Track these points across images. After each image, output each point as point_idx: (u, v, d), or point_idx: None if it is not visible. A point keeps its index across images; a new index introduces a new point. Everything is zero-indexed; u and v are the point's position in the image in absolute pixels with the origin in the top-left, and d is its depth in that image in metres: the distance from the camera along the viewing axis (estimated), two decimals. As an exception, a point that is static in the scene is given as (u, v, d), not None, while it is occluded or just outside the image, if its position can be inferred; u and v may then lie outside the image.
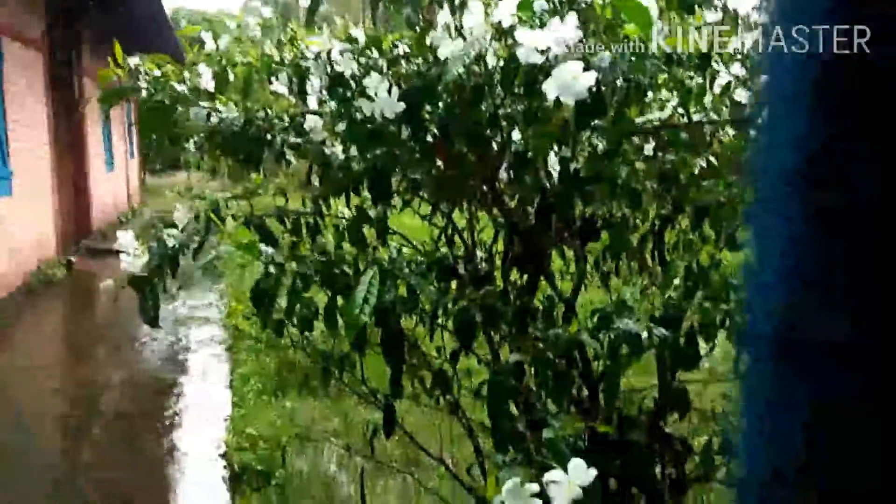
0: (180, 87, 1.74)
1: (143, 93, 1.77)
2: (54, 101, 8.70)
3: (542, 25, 1.15)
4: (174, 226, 1.76)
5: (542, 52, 1.14)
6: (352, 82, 1.94)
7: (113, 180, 12.92)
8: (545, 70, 1.18)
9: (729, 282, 1.26)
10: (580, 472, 0.92)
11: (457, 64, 1.18)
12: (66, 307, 7.02)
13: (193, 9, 25.28)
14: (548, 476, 0.92)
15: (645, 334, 1.23)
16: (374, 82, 1.52)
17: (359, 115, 1.91)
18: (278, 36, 2.07)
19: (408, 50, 2.04)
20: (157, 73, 1.87)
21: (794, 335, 0.31)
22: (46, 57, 8.42)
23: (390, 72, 1.67)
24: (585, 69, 1.10)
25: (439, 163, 1.72)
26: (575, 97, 1.10)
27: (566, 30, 1.10)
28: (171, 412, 4.13)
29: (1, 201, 6.68)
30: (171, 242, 1.58)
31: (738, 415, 0.34)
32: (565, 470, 0.92)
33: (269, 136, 1.74)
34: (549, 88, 1.12)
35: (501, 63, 1.35)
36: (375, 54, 2.01)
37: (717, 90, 1.81)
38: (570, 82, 1.09)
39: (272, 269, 1.29)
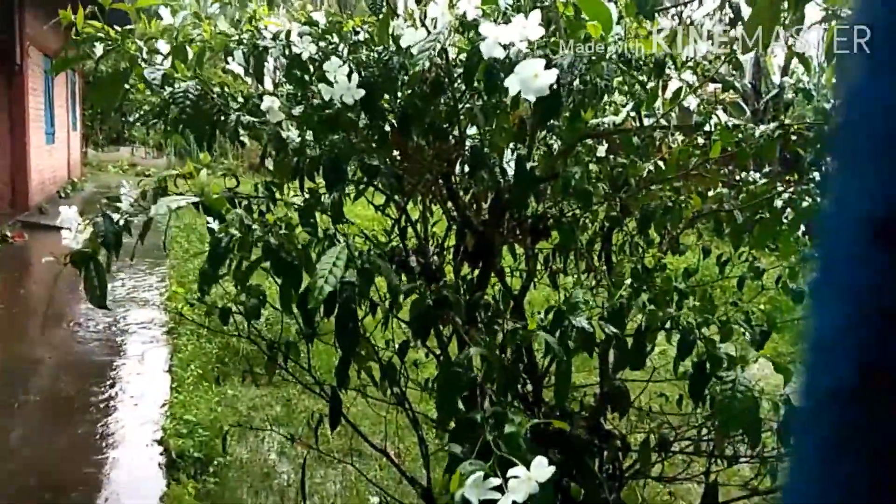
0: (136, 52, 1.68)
1: (99, 52, 1.70)
2: (-7, 67, 8.31)
3: (506, 21, 1.16)
4: (119, 201, 1.71)
5: (505, 47, 1.14)
6: (310, 65, 1.91)
7: (53, 153, 12.42)
8: (507, 66, 1.18)
9: (672, 285, 1.30)
10: (541, 469, 0.94)
11: (423, 56, 1.18)
12: (0, 283, 6.72)
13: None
14: (511, 472, 0.94)
15: (597, 331, 1.26)
16: (333, 66, 1.51)
17: (315, 100, 1.89)
18: (235, 14, 2.03)
19: (368, 36, 2.03)
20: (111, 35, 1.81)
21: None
22: (-14, 20, 8.04)
23: (351, 57, 1.66)
24: (547, 67, 1.11)
25: (396, 153, 1.72)
26: (536, 94, 1.12)
27: (530, 26, 1.11)
28: (107, 396, 4.00)
29: (-70, 169, 6.35)
30: (116, 218, 1.53)
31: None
32: (523, 464, 0.94)
33: (223, 113, 1.70)
34: (511, 84, 1.13)
35: (463, 56, 1.35)
36: (336, 39, 1.99)
37: (668, 96, 1.86)
38: (531, 79, 1.10)
39: (226, 236, 1.26)
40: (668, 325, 1.23)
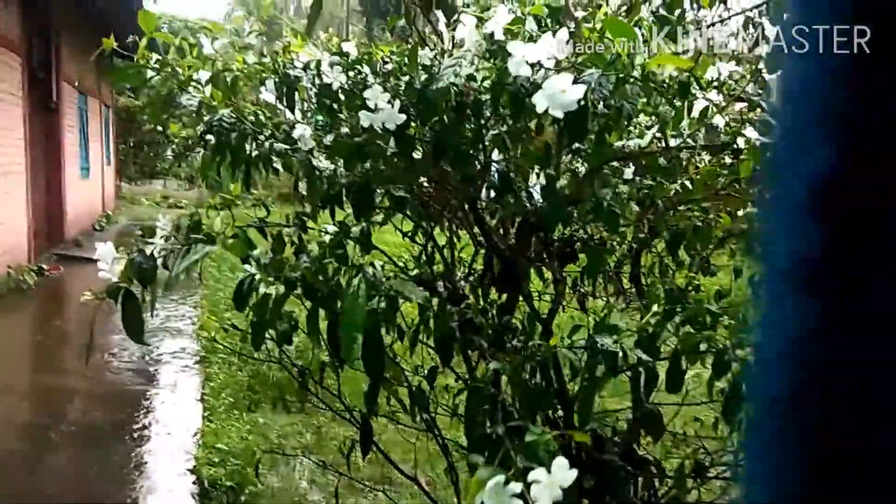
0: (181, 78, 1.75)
1: (150, 77, 1.77)
2: (31, 104, 8.59)
3: (533, 40, 1.18)
4: (153, 235, 1.75)
5: (532, 67, 1.16)
6: (340, 95, 1.95)
7: (88, 187, 12.75)
8: (534, 87, 1.20)
9: (705, 307, 1.28)
10: (563, 472, 0.91)
11: (448, 73, 1.20)
12: (37, 315, 6.87)
13: (174, 15, 25.20)
14: (532, 475, 0.91)
15: (621, 353, 1.25)
16: (375, 94, 1.53)
17: (344, 129, 1.92)
18: (267, 46, 2.09)
19: (397, 66, 2.07)
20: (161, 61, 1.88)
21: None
22: (25, 60, 8.33)
23: (385, 86, 1.69)
24: (574, 83, 1.12)
25: (423, 180, 1.74)
26: (563, 109, 1.12)
27: (557, 45, 1.13)
28: (141, 425, 4.05)
29: (-28, 205, 6.56)
30: (151, 252, 1.57)
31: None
32: (547, 471, 0.91)
33: (257, 141, 1.75)
34: (539, 100, 1.14)
35: (488, 82, 1.37)
36: (366, 69, 2.03)
37: (694, 115, 1.86)
38: (559, 95, 1.11)
39: (256, 271, 1.28)
40: (702, 347, 1.22)
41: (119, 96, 18.80)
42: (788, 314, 0.32)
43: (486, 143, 1.53)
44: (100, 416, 4.16)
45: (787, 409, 0.33)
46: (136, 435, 3.90)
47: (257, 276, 1.27)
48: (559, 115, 1.12)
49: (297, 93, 2.03)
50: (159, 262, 1.67)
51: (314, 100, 2.02)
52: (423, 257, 2.13)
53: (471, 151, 1.52)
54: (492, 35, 1.25)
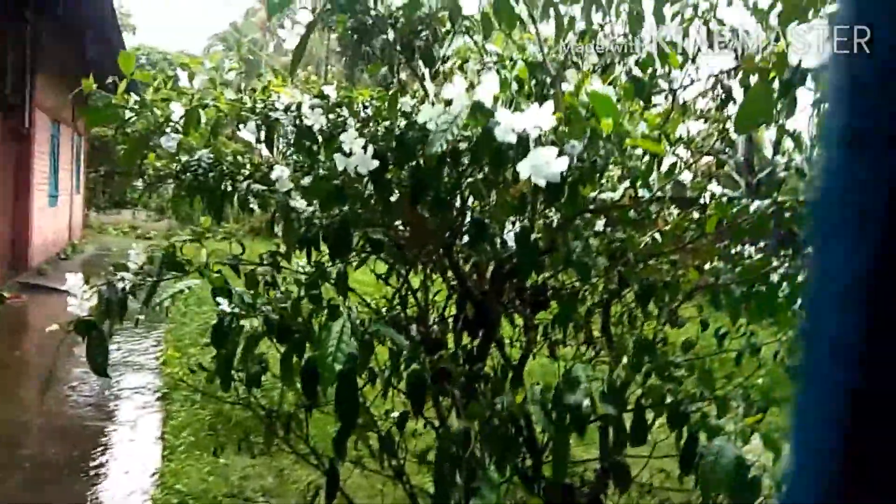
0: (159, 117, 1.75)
1: (127, 119, 1.77)
2: (3, 130, 8.49)
3: (516, 107, 1.22)
4: (122, 267, 1.73)
5: (517, 132, 1.20)
6: (319, 136, 1.98)
7: (56, 215, 12.54)
8: (519, 148, 1.23)
9: (671, 360, 1.31)
10: None
11: (440, 137, 1.23)
12: (-8, 344, 6.66)
13: (153, 48, 25.25)
14: None
15: (588, 403, 1.26)
16: (350, 138, 1.56)
17: (321, 171, 1.94)
18: (245, 81, 2.11)
19: (376, 110, 2.11)
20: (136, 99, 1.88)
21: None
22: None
23: (364, 130, 1.72)
24: (559, 155, 1.16)
25: (399, 223, 1.76)
26: (547, 179, 1.16)
27: (543, 115, 1.17)
28: (98, 463, 3.92)
29: (-67, 229, 6.40)
30: (121, 286, 1.55)
31: None
32: None
33: (234, 182, 1.75)
34: (524, 169, 1.18)
35: (472, 134, 1.40)
36: (345, 111, 2.06)
37: (664, 170, 1.92)
38: (543, 166, 1.15)
39: (230, 315, 1.28)
40: (667, 399, 1.24)
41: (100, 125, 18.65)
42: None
43: (463, 191, 1.56)
44: (55, 452, 4.02)
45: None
46: (92, 473, 3.77)
47: (238, 312, 1.25)
48: (542, 183, 1.16)
49: (276, 133, 2.05)
50: (129, 294, 1.65)
51: (292, 140, 2.04)
52: (397, 299, 2.14)
53: (448, 198, 1.55)
54: (480, 102, 1.29)
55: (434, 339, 1.93)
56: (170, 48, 28.25)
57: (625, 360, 1.52)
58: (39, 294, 8.86)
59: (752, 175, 5.08)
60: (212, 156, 1.73)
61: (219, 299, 1.62)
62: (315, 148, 2.00)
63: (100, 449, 4.11)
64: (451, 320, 2.00)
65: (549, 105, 1.18)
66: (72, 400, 4.95)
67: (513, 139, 1.22)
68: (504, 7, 1.75)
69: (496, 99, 1.28)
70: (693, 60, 1.82)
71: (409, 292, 1.95)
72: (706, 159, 2.37)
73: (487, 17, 1.94)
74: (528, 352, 1.94)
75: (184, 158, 1.82)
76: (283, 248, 2.07)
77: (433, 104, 1.55)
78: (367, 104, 2.17)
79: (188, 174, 1.71)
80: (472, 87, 1.36)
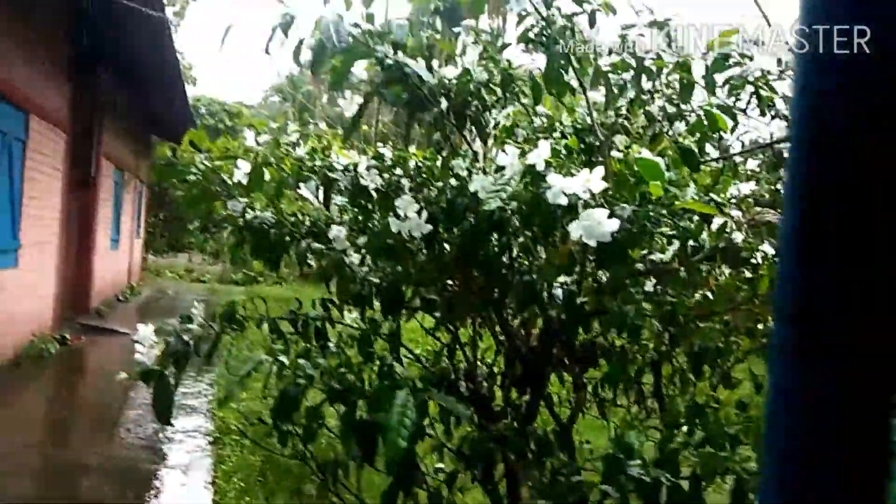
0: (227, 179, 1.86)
1: (193, 177, 1.89)
2: (70, 178, 8.95)
3: (567, 172, 1.27)
4: (188, 319, 1.82)
5: (568, 195, 1.24)
6: (374, 195, 2.06)
7: (116, 258, 13.04)
8: (569, 210, 1.27)
9: (726, 430, 1.30)
10: None
11: (493, 198, 1.28)
12: (54, 385, 6.92)
13: (213, 98, 26.36)
14: None
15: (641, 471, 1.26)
16: (404, 203, 1.62)
17: (375, 229, 2.02)
18: (308, 144, 2.22)
19: (429, 171, 2.18)
20: (204, 159, 2.01)
21: None
22: (68, 135, 8.74)
23: (419, 196, 1.78)
24: (609, 217, 1.20)
25: (451, 282, 1.81)
26: (598, 240, 1.20)
27: (594, 180, 1.21)
28: (149, 505, 4.00)
29: (6, 272, 6.74)
30: (187, 338, 1.63)
31: None
32: None
33: (294, 240, 1.84)
34: (575, 229, 1.21)
35: (523, 196, 1.45)
36: (399, 171, 2.14)
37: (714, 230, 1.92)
38: (594, 227, 1.19)
39: (299, 379, 1.33)
40: (723, 469, 1.23)
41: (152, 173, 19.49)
42: None
43: (512, 251, 1.60)
44: (109, 494, 4.12)
45: None
46: (143, 516, 3.85)
47: (301, 384, 1.31)
48: (592, 244, 1.20)
49: (333, 191, 2.14)
50: (194, 346, 1.73)
51: (348, 198, 2.13)
52: (445, 353, 2.17)
53: (497, 258, 1.59)
54: (533, 166, 1.34)
55: (483, 394, 1.95)
56: (228, 98, 29.48)
57: (678, 423, 1.51)
58: (98, 335, 9.18)
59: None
60: (274, 217, 1.82)
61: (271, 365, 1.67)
62: (370, 206, 2.08)
63: (153, 491, 4.20)
64: (499, 376, 2.02)
65: (600, 170, 1.23)
66: (127, 442, 5.08)
67: (563, 201, 1.26)
68: (554, 76, 1.81)
69: (548, 164, 1.33)
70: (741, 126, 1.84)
71: (458, 347, 1.98)
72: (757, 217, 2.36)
73: (537, 84, 2.01)
74: (577, 410, 1.94)
75: (248, 214, 1.92)
76: (335, 299, 2.14)
77: (485, 171, 1.62)
78: (420, 164, 2.26)
79: (249, 233, 1.81)
80: (523, 153, 1.42)
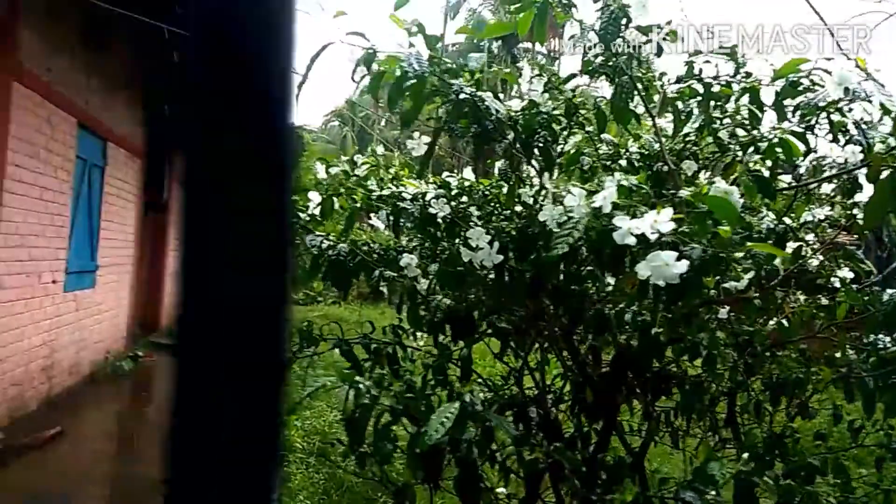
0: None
1: None
2: (144, 202, 9.37)
3: (636, 210, 1.28)
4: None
5: (636, 235, 1.26)
6: (442, 223, 2.11)
7: (184, 278, 13.50)
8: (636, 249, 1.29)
9: (806, 460, 1.28)
10: None
11: (563, 241, 1.30)
12: (129, 401, 7.21)
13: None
14: None
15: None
16: (476, 235, 1.66)
17: (444, 256, 2.06)
18: (358, 153, 2.30)
19: (494, 197, 2.22)
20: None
21: None
22: (142, 161, 9.17)
23: (490, 226, 1.82)
24: (679, 258, 1.21)
25: (520, 310, 1.83)
26: (666, 281, 1.20)
27: (661, 220, 1.22)
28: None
29: (84, 293, 7.08)
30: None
31: None
32: None
33: (367, 268, 1.90)
34: (642, 270, 1.22)
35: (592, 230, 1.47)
36: (466, 199, 2.19)
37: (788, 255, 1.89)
38: (663, 268, 1.20)
39: (366, 400, 1.38)
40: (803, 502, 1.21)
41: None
42: None
43: (583, 279, 1.61)
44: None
45: None
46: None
47: (368, 404, 1.36)
48: (661, 283, 1.20)
49: (402, 220, 2.20)
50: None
51: (415, 226, 2.18)
52: (512, 379, 2.19)
53: (570, 287, 1.61)
54: (599, 209, 1.35)
55: (552, 420, 1.96)
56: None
57: (754, 452, 1.49)
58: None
59: (882, 251, 4.80)
60: (349, 248, 1.89)
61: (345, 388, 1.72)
62: (438, 234, 2.13)
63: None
64: (568, 402, 2.02)
65: (669, 211, 1.23)
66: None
67: (631, 241, 1.27)
68: (621, 105, 1.83)
69: (616, 206, 1.34)
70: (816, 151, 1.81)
71: (528, 372, 2.00)
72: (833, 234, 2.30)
73: (602, 113, 2.03)
74: (648, 440, 1.93)
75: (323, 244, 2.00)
76: (404, 324, 2.19)
77: (553, 203, 1.65)
78: (486, 192, 2.30)
79: (329, 261, 1.88)
80: (590, 194, 1.44)
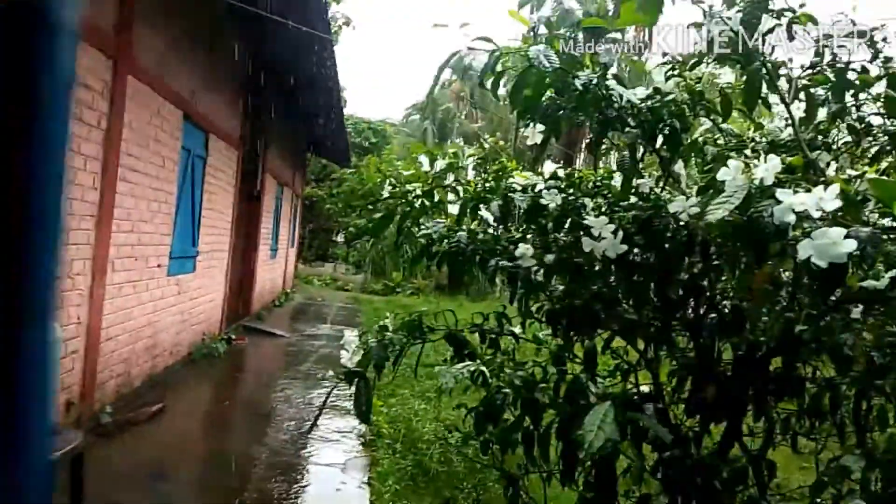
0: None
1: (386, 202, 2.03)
2: (240, 191, 9.76)
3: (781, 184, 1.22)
4: (384, 329, 1.94)
5: (797, 213, 1.20)
6: (552, 214, 2.09)
7: (274, 267, 14.00)
8: (778, 234, 1.23)
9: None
10: None
11: (719, 208, 1.25)
12: (224, 381, 7.54)
13: (360, 118, 27.69)
14: None
15: None
16: (599, 223, 1.64)
17: (557, 246, 2.04)
18: (439, 147, 2.31)
19: (606, 187, 2.18)
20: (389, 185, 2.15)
21: None
22: (240, 155, 9.54)
23: (613, 213, 1.79)
24: (847, 237, 1.14)
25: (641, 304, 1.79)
26: (829, 261, 1.15)
27: (827, 198, 1.16)
28: (316, 500, 4.25)
29: (186, 277, 7.45)
30: (390, 347, 1.75)
31: None
32: None
33: (483, 259, 1.91)
34: (804, 249, 1.17)
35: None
36: (577, 192, 2.16)
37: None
38: (829, 247, 1.14)
39: (499, 396, 1.38)
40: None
41: (305, 187, 20.80)
42: None
43: (714, 274, 1.56)
44: (276, 487, 4.42)
45: None
46: (308, 510, 4.09)
47: (509, 393, 1.36)
48: (822, 264, 1.14)
49: (511, 212, 2.20)
50: (390, 355, 1.84)
51: (524, 217, 2.17)
52: (618, 374, 2.15)
53: (700, 281, 1.56)
54: (761, 181, 1.30)
55: (670, 420, 1.91)
56: (372, 116, 30.90)
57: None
58: (258, 337, 9.91)
59: None
60: (469, 238, 1.90)
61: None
62: (549, 225, 2.11)
63: (315, 486, 4.45)
64: (685, 401, 1.96)
65: (834, 188, 1.17)
66: (288, 437, 5.44)
67: (791, 219, 1.22)
68: (753, 92, 1.76)
69: (779, 182, 1.28)
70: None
71: (646, 368, 1.96)
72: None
73: (727, 99, 1.95)
74: (769, 441, 1.85)
75: (436, 232, 2.02)
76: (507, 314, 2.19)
77: (686, 195, 1.60)
78: (598, 183, 2.26)
79: (442, 249, 1.90)
80: (746, 168, 1.38)
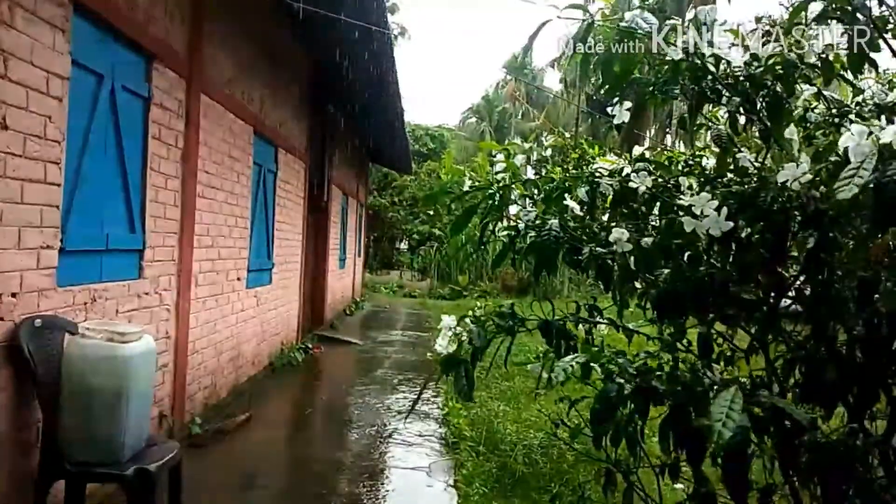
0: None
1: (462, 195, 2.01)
2: (309, 203, 9.95)
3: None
4: (478, 320, 1.91)
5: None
6: (642, 198, 2.01)
7: (343, 276, 14.23)
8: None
9: None
10: None
11: (850, 182, 1.16)
12: (304, 390, 7.68)
13: (417, 124, 27.93)
14: None
15: None
16: (701, 201, 1.56)
17: (647, 230, 1.96)
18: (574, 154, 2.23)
19: (697, 165, 2.08)
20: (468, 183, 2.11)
21: None
22: (306, 167, 9.73)
23: (715, 190, 1.70)
24: None
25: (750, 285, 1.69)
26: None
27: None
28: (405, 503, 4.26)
29: (263, 289, 7.63)
30: (479, 337, 1.71)
31: None
32: None
33: (576, 247, 1.85)
34: None
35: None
36: (665, 174, 2.07)
37: None
38: None
39: (614, 386, 1.32)
40: None
41: (368, 196, 21.10)
42: None
43: (834, 249, 1.45)
44: (363, 491, 4.44)
45: None
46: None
47: (624, 385, 1.30)
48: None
49: (599, 197, 2.13)
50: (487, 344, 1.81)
51: (612, 202, 2.10)
52: (724, 359, 2.04)
53: (822, 256, 1.46)
54: (890, 144, 1.20)
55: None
56: (430, 122, 31.10)
57: None
58: (332, 345, 10.06)
59: None
60: (560, 225, 1.85)
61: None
62: (642, 210, 2.03)
63: (402, 490, 4.46)
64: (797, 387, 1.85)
65: None
66: (370, 441, 5.48)
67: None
68: (859, 52, 1.64)
69: None
70: None
71: (757, 353, 1.85)
72: None
73: (828, 63, 1.83)
74: (894, 427, 1.71)
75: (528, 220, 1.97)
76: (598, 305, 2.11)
77: (796, 163, 1.50)
78: (689, 162, 2.16)
79: (533, 236, 1.85)
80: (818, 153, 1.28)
